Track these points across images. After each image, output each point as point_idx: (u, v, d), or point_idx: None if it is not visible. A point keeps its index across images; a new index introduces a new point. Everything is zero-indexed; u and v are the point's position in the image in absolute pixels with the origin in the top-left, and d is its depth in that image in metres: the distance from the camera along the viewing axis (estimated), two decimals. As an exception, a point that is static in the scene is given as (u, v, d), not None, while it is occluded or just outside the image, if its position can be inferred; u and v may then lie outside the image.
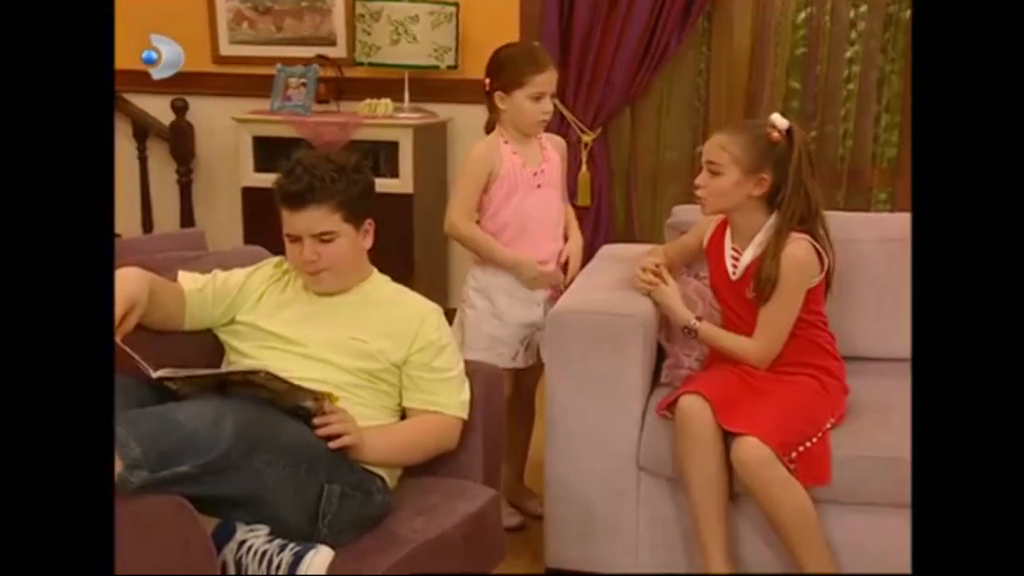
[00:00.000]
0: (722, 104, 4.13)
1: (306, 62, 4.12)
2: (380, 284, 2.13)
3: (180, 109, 4.25)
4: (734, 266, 2.38)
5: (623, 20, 3.94)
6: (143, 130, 4.32)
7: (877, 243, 2.65)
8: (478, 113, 4.13)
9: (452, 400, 2.02)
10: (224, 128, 4.18)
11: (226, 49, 4.31)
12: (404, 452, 1.98)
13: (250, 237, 4.08)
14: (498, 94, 2.65)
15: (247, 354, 1.98)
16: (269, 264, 2.13)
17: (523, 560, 2.52)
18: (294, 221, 1.97)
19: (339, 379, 1.94)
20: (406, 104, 4.05)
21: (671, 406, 2.27)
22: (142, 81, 4.28)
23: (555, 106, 3.91)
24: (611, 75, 4.00)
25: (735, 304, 2.39)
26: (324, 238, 1.97)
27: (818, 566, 2.18)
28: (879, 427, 2.31)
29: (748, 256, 2.35)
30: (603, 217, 4.09)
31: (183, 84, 4.27)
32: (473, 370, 2.10)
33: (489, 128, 2.75)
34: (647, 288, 2.42)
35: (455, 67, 4.07)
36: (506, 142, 2.68)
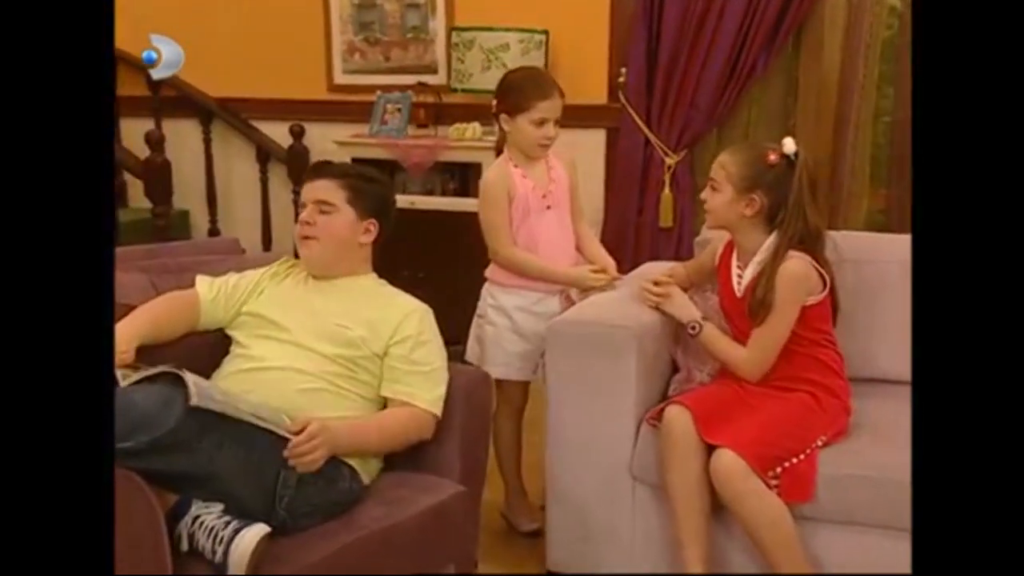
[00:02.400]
0: (810, 126, 4.09)
1: (408, 89, 4.38)
2: (374, 282, 2.32)
3: (297, 134, 4.60)
4: (738, 283, 2.43)
5: (709, 42, 4.00)
6: (265, 154, 4.70)
7: (900, 263, 2.61)
8: (566, 136, 4.28)
9: (426, 394, 2.15)
10: (333, 151, 4.49)
11: (340, 78, 4.64)
12: (373, 444, 2.12)
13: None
14: (503, 116, 2.76)
15: (243, 343, 2.18)
16: (278, 263, 2.36)
17: (533, 562, 2.63)
18: (305, 190, 2.26)
19: (321, 368, 2.10)
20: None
21: (659, 416, 2.34)
22: (266, 109, 4.72)
23: (642, 131, 4.04)
24: (696, 98, 4.06)
25: (739, 321, 2.44)
26: (324, 208, 2.20)
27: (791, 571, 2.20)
28: (874, 447, 2.31)
29: (748, 274, 2.40)
30: (685, 238, 4.13)
31: (301, 111, 4.66)
32: (455, 373, 2.23)
33: (499, 149, 2.87)
34: (653, 302, 2.49)
35: (544, 92, 4.22)
36: (515, 165, 2.78)
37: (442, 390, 2.18)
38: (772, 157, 2.34)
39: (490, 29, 4.16)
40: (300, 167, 4.63)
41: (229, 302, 2.26)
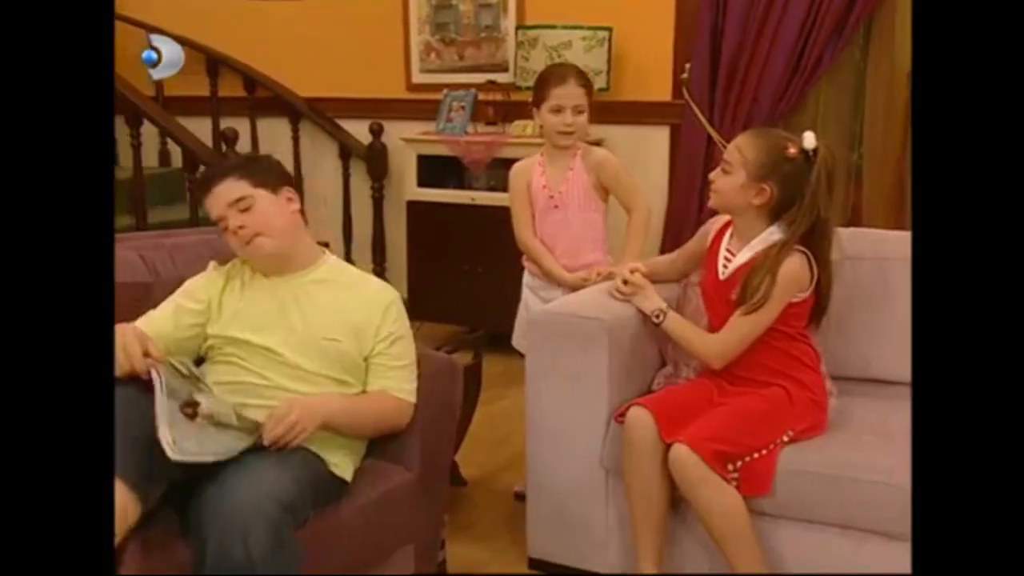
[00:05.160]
0: (880, 121, 3.95)
1: (477, 87, 4.47)
2: (335, 268, 2.26)
3: (376, 132, 4.76)
4: (724, 266, 2.39)
5: (773, 36, 3.92)
6: (347, 151, 4.89)
7: (902, 260, 2.51)
8: (630, 133, 4.32)
9: (403, 386, 2.19)
10: (401, 148, 4.64)
11: (417, 78, 4.78)
12: (363, 420, 2.14)
13: (413, 244, 4.51)
14: (534, 111, 2.86)
15: (220, 370, 2.12)
16: (208, 275, 2.22)
17: (516, 550, 2.67)
18: (211, 204, 2.13)
19: (312, 387, 2.08)
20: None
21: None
22: (349, 108, 4.90)
23: (704, 127, 3.99)
24: (758, 92, 3.99)
25: (718, 305, 2.40)
26: (241, 205, 2.10)
27: (748, 569, 2.16)
28: (839, 446, 2.25)
29: (741, 258, 2.35)
30: (744, 236, 4.06)
31: (382, 110, 4.82)
32: (421, 365, 2.27)
33: None
34: (622, 299, 2.48)
35: (606, 89, 4.22)
36: (540, 162, 2.88)
37: (415, 383, 2.22)
38: (792, 150, 2.26)
39: (553, 27, 4.19)
40: (379, 164, 4.80)
41: (181, 332, 2.15)
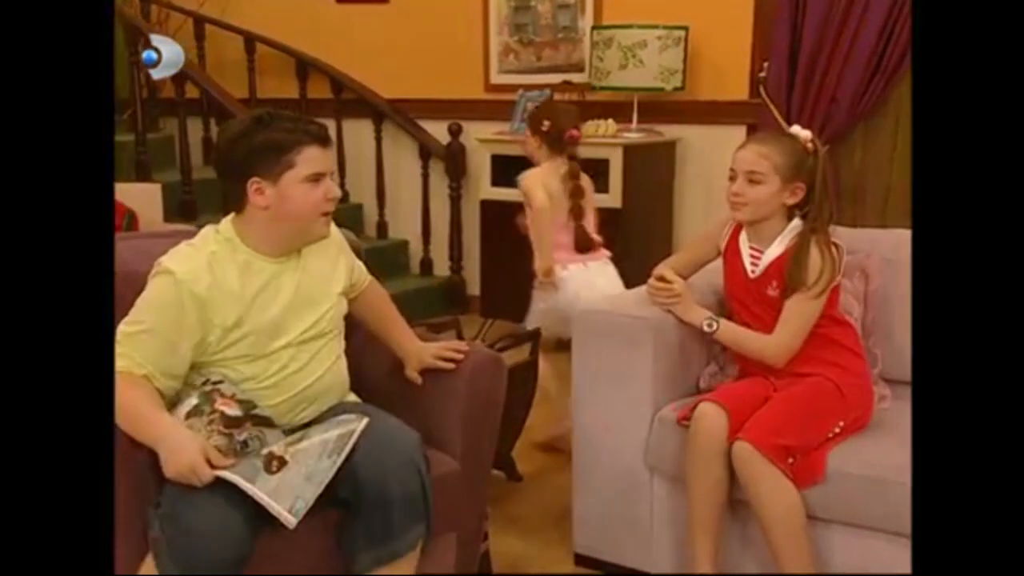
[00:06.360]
0: (964, 121, 3.82)
1: (553, 88, 4.49)
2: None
3: (455, 132, 4.82)
4: (754, 264, 2.38)
5: (854, 34, 3.85)
6: (427, 151, 4.96)
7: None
8: (705, 133, 4.28)
9: (367, 274, 2.33)
10: (475, 148, 4.70)
11: (496, 79, 4.83)
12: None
13: (486, 243, 4.56)
14: None
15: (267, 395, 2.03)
16: (182, 295, 1.93)
17: (563, 546, 2.68)
18: (324, 159, 2.00)
19: (327, 337, 2.15)
20: (634, 124, 4.25)
21: (689, 415, 2.30)
22: (429, 109, 4.98)
23: (781, 127, 3.96)
24: (837, 91, 3.91)
25: (752, 303, 2.39)
26: (333, 177, 2.05)
27: (797, 569, 2.14)
28: (889, 448, 2.19)
29: (772, 253, 2.35)
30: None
31: (461, 110, 4.88)
32: (465, 359, 2.27)
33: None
34: (665, 305, 2.42)
35: (681, 89, 4.21)
36: None
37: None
38: (808, 145, 2.33)
39: (628, 27, 4.18)
40: (456, 164, 4.87)
41: (183, 364, 1.98)
